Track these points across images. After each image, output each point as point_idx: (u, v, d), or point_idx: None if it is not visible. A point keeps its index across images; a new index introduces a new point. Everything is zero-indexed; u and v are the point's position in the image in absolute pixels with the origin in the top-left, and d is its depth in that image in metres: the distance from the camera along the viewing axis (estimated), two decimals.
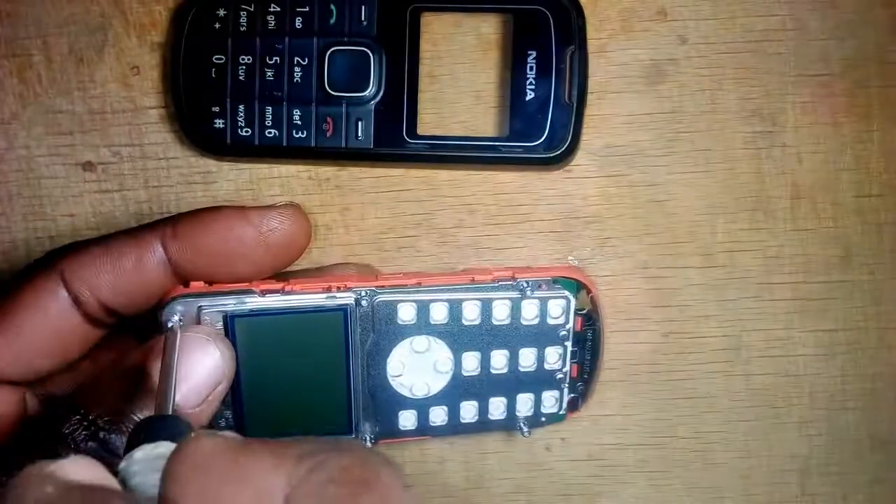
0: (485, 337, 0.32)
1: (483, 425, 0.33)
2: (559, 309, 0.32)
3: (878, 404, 0.36)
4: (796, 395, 0.36)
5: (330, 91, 0.33)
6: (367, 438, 0.33)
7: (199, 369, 0.28)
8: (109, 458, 0.25)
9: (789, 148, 0.34)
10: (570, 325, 0.32)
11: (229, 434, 0.25)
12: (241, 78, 0.33)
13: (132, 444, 0.22)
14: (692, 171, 0.35)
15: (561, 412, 0.34)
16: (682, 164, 0.34)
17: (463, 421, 0.33)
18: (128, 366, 0.28)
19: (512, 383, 0.33)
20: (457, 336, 0.32)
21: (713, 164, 0.34)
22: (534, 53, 0.33)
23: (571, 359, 0.33)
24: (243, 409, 0.31)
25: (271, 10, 0.33)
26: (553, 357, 0.33)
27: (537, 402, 0.34)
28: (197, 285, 0.30)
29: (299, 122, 0.33)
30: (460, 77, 0.34)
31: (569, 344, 0.33)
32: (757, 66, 0.34)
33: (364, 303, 0.31)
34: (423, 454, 0.36)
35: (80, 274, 0.29)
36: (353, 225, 0.35)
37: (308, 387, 0.31)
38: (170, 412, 0.24)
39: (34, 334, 0.29)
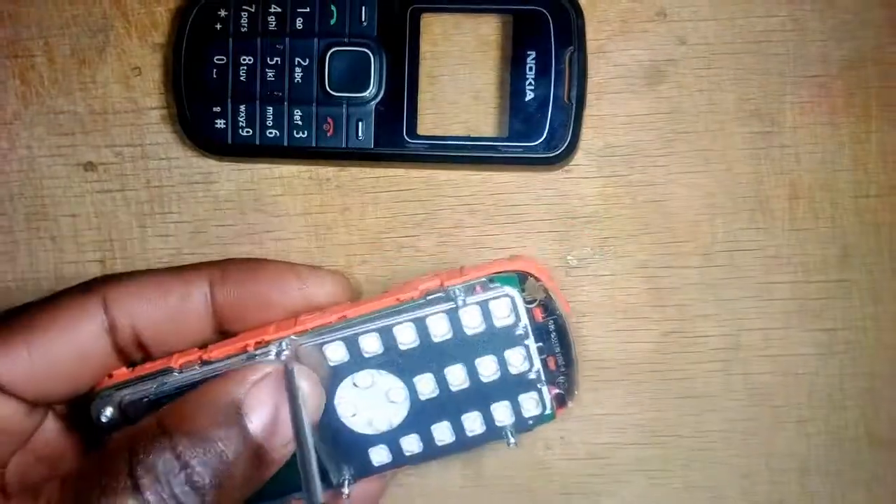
0: (431, 356, 0.29)
1: (463, 444, 0.31)
2: (505, 308, 0.29)
3: (877, 403, 0.36)
4: (795, 394, 0.36)
5: (330, 91, 0.33)
6: (347, 482, 0.31)
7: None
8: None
9: (788, 148, 0.35)
10: (524, 321, 0.29)
11: None
12: (241, 78, 0.33)
13: None
14: (691, 171, 0.35)
15: (547, 412, 0.31)
16: (681, 165, 0.35)
17: (440, 444, 0.31)
18: (215, 397, 0.27)
19: (481, 395, 0.30)
20: (399, 363, 0.29)
21: (712, 165, 0.35)
22: (533, 54, 0.33)
23: (540, 354, 0.30)
24: None
25: (272, 10, 0.33)
26: (517, 359, 0.30)
27: (517, 408, 0.31)
28: (120, 374, 0.29)
29: (300, 123, 0.33)
30: (460, 77, 0.34)
31: (530, 342, 0.29)
32: (756, 67, 0.34)
33: (287, 354, 0.28)
34: None
35: (124, 301, 0.28)
36: (354, 225, 0.35)
37: None
38: (320, 499, 0.23)
39: (60, 354, 0.28)
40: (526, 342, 0.29)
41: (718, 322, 0.35)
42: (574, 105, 0.33)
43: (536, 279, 0.29)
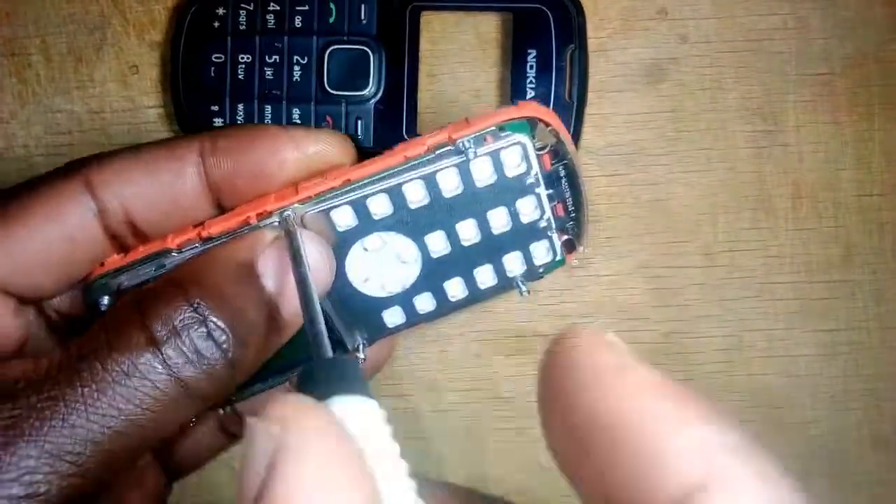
0: (442, 213, 0.28)
1: (476, 297, 0.30)
2: (516, 157, 0.27)
3: (880, 404, 0.36)
4: (798, 395, 0.36)
5: (329, 90, 0.33)
6: (361, 346, 0.30)
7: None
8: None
9: (790, 147, 0.34)
10: (536, 169, 0.28)
11: None
12: (240, 77, 0.33)
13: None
14: (693, 171, 0.34)
15: (558, 258, 0.30)
16: (682, 164, 0.34)
17: (453, 300, 0.30)
18: (227, 258, 0.25)
19: (492, 248, 0.29)
20: (410, 222, 0.28)
21: (714, 164, 0.34)
22: (534, 52, 0.33)
23: (550, 201, 0.29)
24: None
25: (271, 8, 0.33)
26: (528, 208, 0.29)
27: (528, 257, 0.30)
28: (112, 261, 0.27)
29: (299, 121, 0.33)
30: (460, 76, 0.34)
31: (541, 190, 0.28)
32: (758, 66, 0.34)
33: (290, 218, 0.27)
34: (423, 455, 0.36)
35: (110, 182, 0.26)
36: None
37: None
38: (330, 352, 0.21)
39: (46, 243, 0.25)
40: (537, 190, 0.28)
41: (720, 322, 0.35)
42: (575, 104, 0.33)
43: (546, 124, 0.28)
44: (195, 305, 0.23)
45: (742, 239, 0.35)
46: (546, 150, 0.28)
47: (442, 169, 0.27)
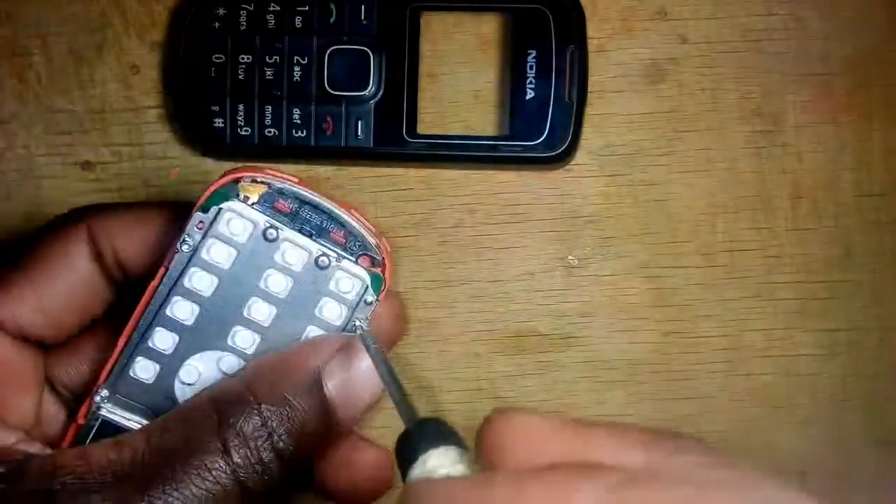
0: (226, 307, 0.27)
1: None
2: (237, 224, 0.27)
3: (880, 404, 0.36)
4: (797, 395, 0.36)
5: (330, 90, 0.33)
6: None
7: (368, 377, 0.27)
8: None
9: (790, 147, 0.34)
10: (263, 221, 0.27)
11: None
12: (240, 77, 0.33)
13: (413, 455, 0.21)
14: (692, 171, 0.34)
15: (366, 275, 0.28)
16: (682, 164, 0.34)
17: None
18: (299, 366, 0.27)
19: (296, 312, 0.28)
20: (201, 333, 0.28)
21: (713, 164, 0.34)
22: (534, 52, 0.33)
23: (319, 236, 0.27)
24: None
25: (271, 9, 0.33)
26: (292, 256, 0.27)
27: (340, 297, 0.28)
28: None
29: (299, 122, 0.33)
30: (460, 76, 0.34)
31: (286, 231, 0.27)
32: (757, 66, 0.34)
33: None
34: None
35: (107, 230, 0.28)
36: None
37: None
38: (419, 415, 0.23)
39: (62, 286, 0.28)
40: (283, 234, 0.27)
41: (720, 322, 0.35)
42: (575, 104, 0.33)
43: (243, 178, 0.27)
44: (265, 418, 0.25)
45: (742, 239, 0.35)
46: (261, 198, 0.27)
47: (190, 271, 0.27)
